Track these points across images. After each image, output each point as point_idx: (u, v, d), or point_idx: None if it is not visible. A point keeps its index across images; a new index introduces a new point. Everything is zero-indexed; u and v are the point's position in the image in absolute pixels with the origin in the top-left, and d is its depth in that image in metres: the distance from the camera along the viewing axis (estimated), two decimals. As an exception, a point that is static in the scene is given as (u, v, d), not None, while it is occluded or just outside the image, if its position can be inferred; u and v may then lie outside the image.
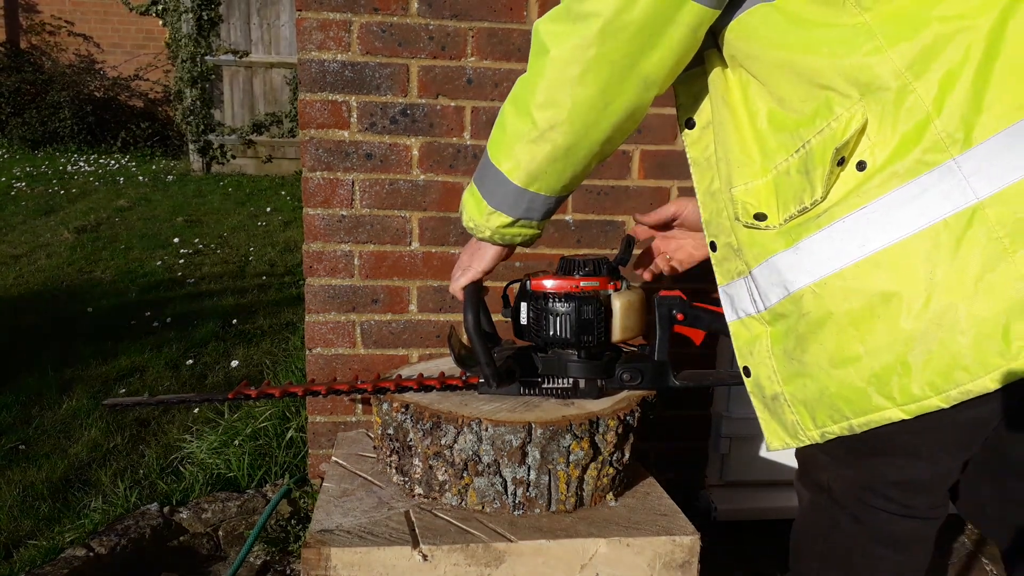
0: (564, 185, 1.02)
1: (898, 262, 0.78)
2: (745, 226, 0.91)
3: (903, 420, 0.82)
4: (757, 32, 0.84)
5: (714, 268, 1.02)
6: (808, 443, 0.92)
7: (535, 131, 0.94)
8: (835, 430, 0.88)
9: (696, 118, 0.99)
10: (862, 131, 0.79)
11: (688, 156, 1.02)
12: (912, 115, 0.76)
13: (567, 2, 0.87)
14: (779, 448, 0.96)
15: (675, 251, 1.32)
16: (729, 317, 1.00)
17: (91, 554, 1.73)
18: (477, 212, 1.08)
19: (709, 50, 0.91)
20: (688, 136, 1.01)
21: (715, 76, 0.92)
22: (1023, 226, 0.73)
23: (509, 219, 1.06)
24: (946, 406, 0.79)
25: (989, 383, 0.76)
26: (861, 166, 0.80)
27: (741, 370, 1.00)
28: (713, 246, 1.01)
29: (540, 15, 1.71)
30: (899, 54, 0.75)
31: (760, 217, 0.88)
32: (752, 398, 0.99)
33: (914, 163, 0.76)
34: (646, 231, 1.33)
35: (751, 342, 0.97)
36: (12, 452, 2.33)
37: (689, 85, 0.97)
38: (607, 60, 0.86)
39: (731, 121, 0.90)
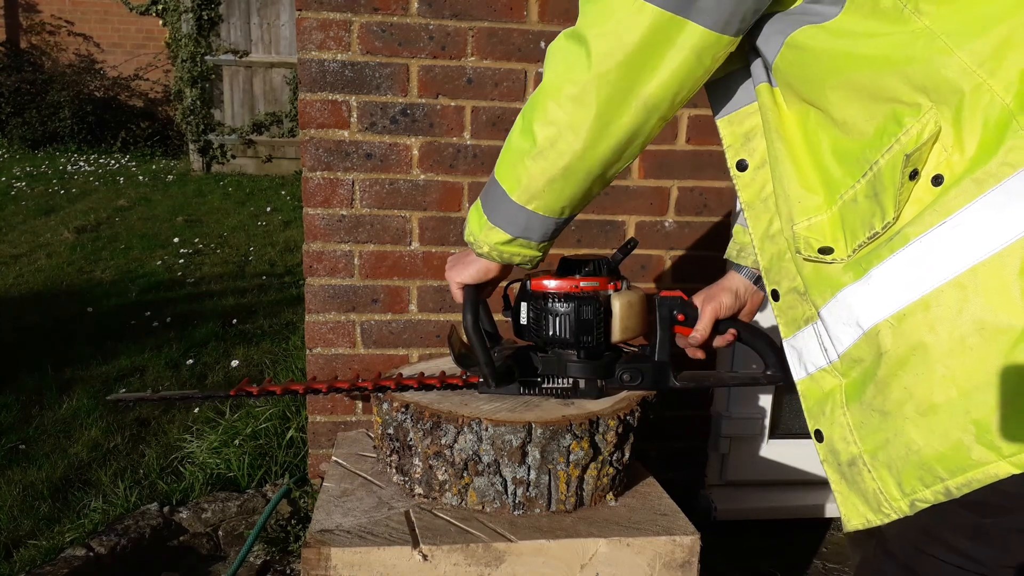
0: (563, 207, 1.00)
1: (988, 283, 0.68)
2: (807, 260, 0.84)
3: (1013, 476, 0.67)
4: (809, 54, 0.79)
5: (777, 321, 0.93)
6: (895, 517, 0.76)
7: (535, 148, 0.92)
8: (927, 496, 0.73)
9: (748, 159, 0.93)
10: (935, 140, 0.72)
11: (741, 200, 0.95)
12: (990, 115, 0.69)
13: (577, 22, 0.85)
14: (859, 527, 0.80)
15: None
16: (797, 375, 0.89)
17: (91, 554, 1.73)
18: (477, 227, 1.08)
19: (760, 84, 0.87)
20: (740, 179, 0.94)
21: (769, 111, 0.87)
22: None
23: (507, 236, 1.05)
24: None
25: None
26: (937, 180, 0.72)
27: (812, 435, 0.87)
28: (775, 295, 0.92)
29: (540, 15, 1.71)
30: (969, 52, 0.69)
31: (825, 251, 0.81)
32: (826, 467, 0.86)
33: (998, 167, 0.68)
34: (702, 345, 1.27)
35: (823, 400, 0.85)
36: (12, 452, 2.33)
37: (738, 124, 0.93)
38: (605, 81, 0.83)
39: (788, 157, 0.84)
